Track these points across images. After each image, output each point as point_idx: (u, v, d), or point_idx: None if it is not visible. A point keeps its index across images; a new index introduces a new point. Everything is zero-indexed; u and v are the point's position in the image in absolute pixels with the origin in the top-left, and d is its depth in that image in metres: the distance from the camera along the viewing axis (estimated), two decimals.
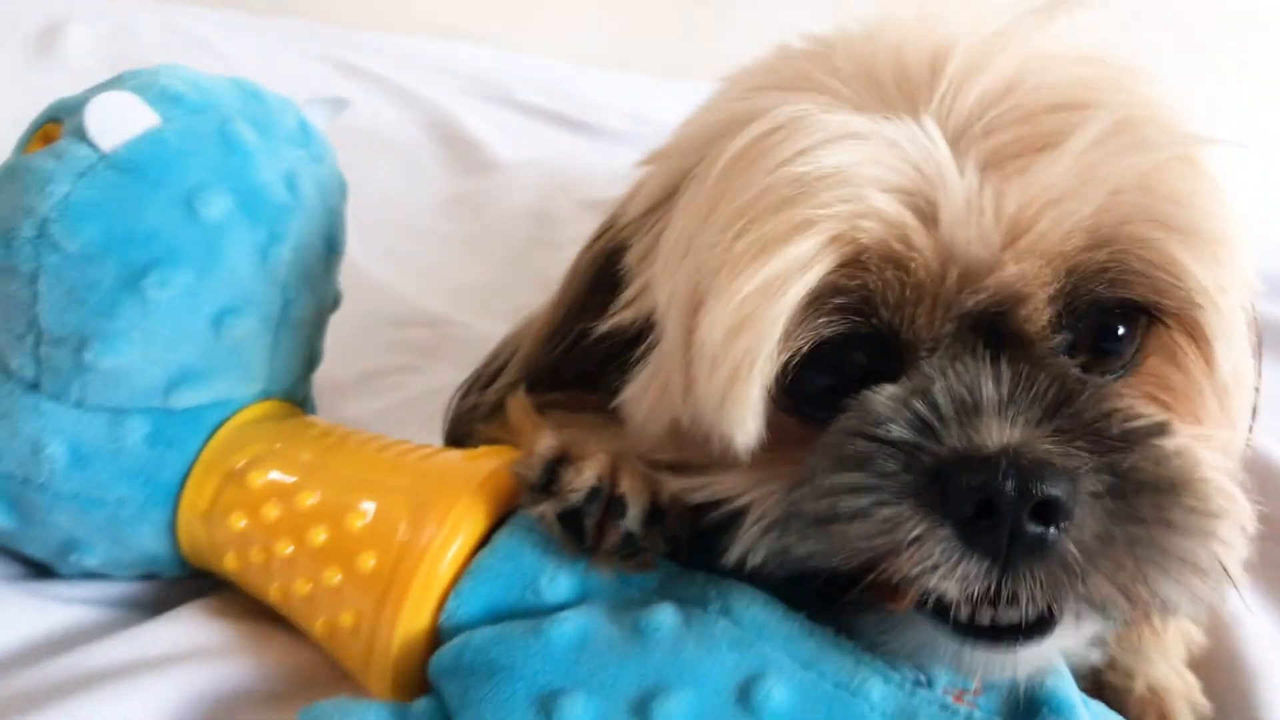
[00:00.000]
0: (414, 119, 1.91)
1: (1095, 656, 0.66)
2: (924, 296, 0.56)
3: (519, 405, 0.72)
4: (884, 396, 0.56)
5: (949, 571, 0.53)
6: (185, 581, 0.76)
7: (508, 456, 0.67)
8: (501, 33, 2.49)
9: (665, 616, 0.59)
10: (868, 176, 0.55)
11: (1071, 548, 0.52)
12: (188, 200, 0.68)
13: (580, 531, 0.60)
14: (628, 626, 0.59)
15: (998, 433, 0.54)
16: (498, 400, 0.75)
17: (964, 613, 0.55)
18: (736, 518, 0.61)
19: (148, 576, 0.77)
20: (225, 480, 0.71)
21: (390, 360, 1.16)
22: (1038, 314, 0.57)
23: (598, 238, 0.74)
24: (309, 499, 0.67)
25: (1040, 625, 0.55)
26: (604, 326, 0.68)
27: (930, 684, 0.58)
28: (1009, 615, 0.54)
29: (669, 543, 0.62)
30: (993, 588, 0.53)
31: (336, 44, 2.24)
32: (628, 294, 0.68)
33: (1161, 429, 0.55)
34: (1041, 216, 0.55)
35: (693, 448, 0.63)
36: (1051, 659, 0.58)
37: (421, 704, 0.59)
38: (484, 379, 0.79)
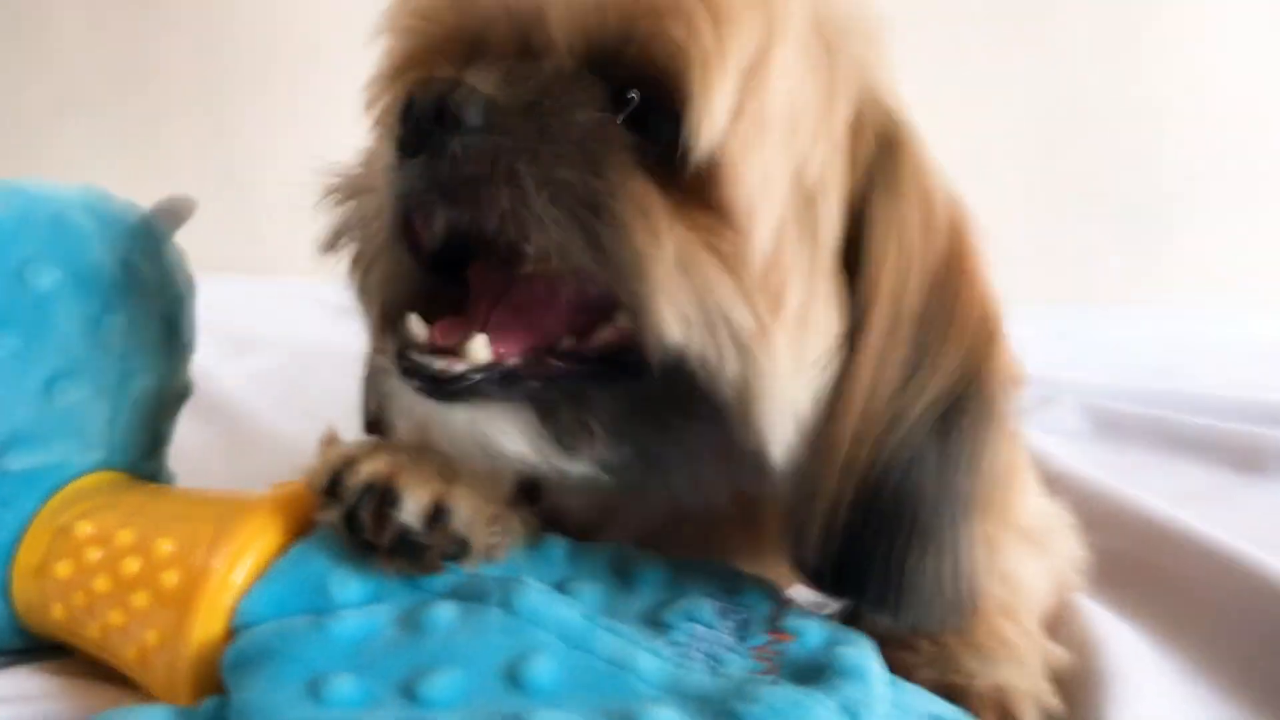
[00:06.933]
0: None
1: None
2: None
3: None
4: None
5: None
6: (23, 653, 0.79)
7: None
8: None
9: (443, 612, 0.62)
10: None
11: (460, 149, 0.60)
12: (18, 271, 0.75)
13: (360, 529, 0.64)
14: (409, 626, 0.62)
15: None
16: None
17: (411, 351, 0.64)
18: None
19: None
20: (55, 535, 0.74)
21: None
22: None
23: None
24: (127, 537, 0.71)
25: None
26: None
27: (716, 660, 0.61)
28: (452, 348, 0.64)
29: (455, 544, 0.66)
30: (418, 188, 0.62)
31: (322, 290, 2.40)
32: None
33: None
34: None
35: None
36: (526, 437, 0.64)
37: (208, 703, 0.62)
38: None
